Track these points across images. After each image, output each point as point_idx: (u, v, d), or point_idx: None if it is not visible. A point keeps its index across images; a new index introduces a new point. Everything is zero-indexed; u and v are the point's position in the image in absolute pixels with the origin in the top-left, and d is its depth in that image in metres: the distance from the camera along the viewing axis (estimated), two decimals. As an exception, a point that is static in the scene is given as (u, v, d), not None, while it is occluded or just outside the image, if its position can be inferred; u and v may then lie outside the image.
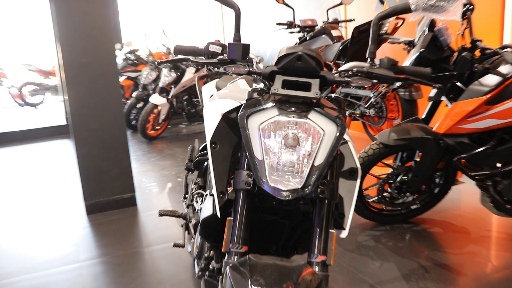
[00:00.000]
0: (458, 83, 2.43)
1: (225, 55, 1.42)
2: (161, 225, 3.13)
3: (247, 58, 1.39)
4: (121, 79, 7.80)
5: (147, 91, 6.68)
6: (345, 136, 1.45)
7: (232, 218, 1.29)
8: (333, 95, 1.35)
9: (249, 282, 1.06)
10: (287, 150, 1.21)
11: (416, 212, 2.90)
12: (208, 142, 1.37)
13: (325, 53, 4.30)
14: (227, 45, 1.40)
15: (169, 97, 6.17)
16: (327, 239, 1.24)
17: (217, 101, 1.53)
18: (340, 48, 4.16)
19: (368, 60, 1.38)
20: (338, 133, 1.21)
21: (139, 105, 6.74)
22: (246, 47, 1.39)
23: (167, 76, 6.12)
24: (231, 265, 1.14)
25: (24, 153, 5.98)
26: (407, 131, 2.53)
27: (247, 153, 1.21)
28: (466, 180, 2.72)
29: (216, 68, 1.42)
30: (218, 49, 1.46)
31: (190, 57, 1.44)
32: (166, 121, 6.36)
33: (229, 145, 1.39)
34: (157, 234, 3.02)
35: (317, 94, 1.20)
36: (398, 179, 2.71)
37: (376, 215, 2.90)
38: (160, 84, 6.11)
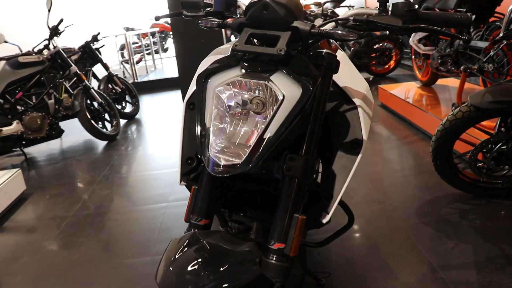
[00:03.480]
0: None
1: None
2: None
3: (231, 9, 1.11)
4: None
5: None
6: (356, 100, 1.10)
7: (197, 187, 1.11)
8: (324, 50, 1.00)
9: (171, 261, 0.90)
10: (238, 117, 0.95)
11: (521, 188, 2.26)
12: (184, 102, 1.16)
13: (445, 1, 3.52)
14: None
15: None
16: (290, 224, 0.97)
17: (209, 58, 1.30)
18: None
19: (379, 4, 0.99)
20: (298, 99, 0.90)
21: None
22: None
23: None
24: (172, 240, 0.98)
25: (171, 98, 6.40)
26: (508, 92, 1.91)
27: (197, 118, 0.99)
28: None
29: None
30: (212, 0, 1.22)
31: (184, 11, 1.22)
32: None
33: None
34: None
35: (281, 51, 0.89)
36: (496, 148, 2.11)
37: (469, 186, 2.34)
38: None
